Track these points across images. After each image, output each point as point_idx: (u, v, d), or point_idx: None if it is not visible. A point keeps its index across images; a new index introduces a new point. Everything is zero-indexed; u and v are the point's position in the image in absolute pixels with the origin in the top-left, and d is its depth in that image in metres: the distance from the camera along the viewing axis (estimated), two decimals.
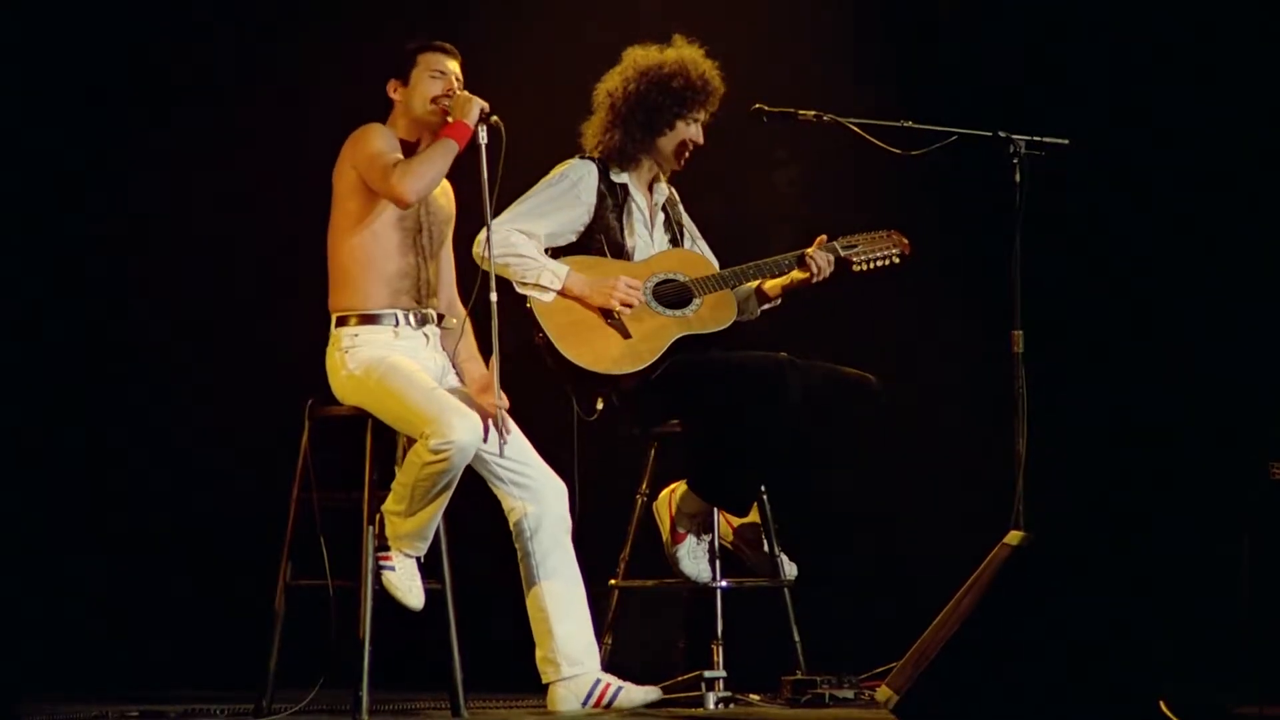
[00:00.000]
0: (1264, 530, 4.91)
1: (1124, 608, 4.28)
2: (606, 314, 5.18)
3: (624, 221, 5.32)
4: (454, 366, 5.02)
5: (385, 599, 4.79)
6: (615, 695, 4.93)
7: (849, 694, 5.18)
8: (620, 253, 5.28)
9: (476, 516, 5.04)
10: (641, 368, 5.14)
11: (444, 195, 5.06)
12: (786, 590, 5.33)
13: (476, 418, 4.76)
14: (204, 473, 6.31)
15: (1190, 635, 4.86)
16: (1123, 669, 4.22)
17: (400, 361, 4.84)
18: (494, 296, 4.79)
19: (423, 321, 4.96)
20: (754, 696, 5.24)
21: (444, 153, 4.84)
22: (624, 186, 5.34)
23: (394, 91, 5.00)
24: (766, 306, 5.43)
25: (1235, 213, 6.06)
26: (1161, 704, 4.30)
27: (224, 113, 6.36)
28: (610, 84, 5.35)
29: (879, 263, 5.39)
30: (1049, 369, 5.24)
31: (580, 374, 5.14)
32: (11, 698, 5.11)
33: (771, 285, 5.38)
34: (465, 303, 4.99)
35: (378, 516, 4.80)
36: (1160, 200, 6.15)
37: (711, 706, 5.07)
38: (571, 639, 4.94)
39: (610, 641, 5.28)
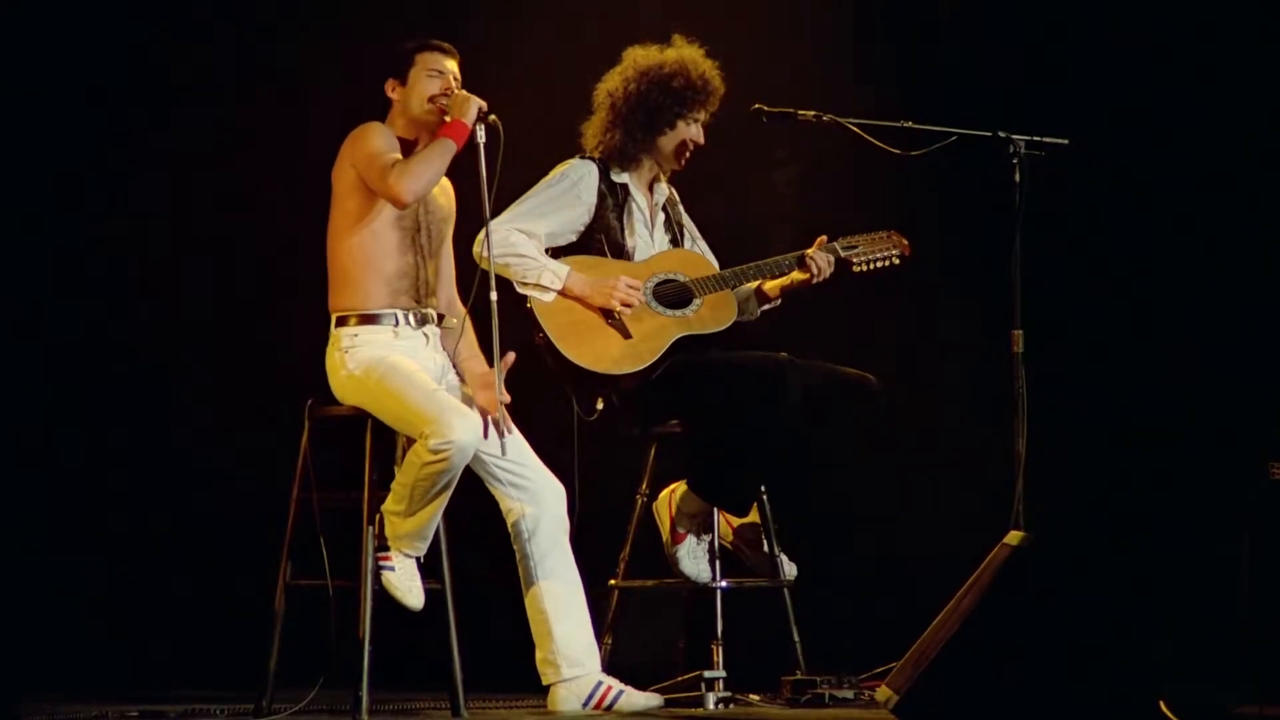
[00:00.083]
0: (1264, 530, 4.91)
1: (1124, 608, 4.28)
2: (607, 314, 5.18)
3: (624, 221, 5.32)
4: (454, 366, 5.02)
5: (385, 599, 4.78)
6: (617, 698, 4.92)
7: (849, 694, 5.18)
8: (620, 253, 5.29)
9: (476, 516, 5.04)
10: (642, 368, 5.14)
11: (443, 194, 5.06)
12: (786, 590, 5.33)
13: (476, 418, 4.76)
14: (204, 473, 6.31)
15: (1190, 635, 4.86)
16: (1123, 669, 4.22)
17: (400, 361, 4.84)
18: (494, 296, 4.79)
19: (422, 321, 4.96)
20: (754, 696, 5.24)
21: (441, 152, 4.84)
22: (624, 186, 5.34)
23: (392, 91, 5.00)
24: (766, 307, 5.43)
25: (1235, 213, 6.05)
26: (1161, 704, 4.30)
27: (224, 113, 6.36)
28: (611, 84, 5.35)
29: (879, 263, 5.39)
30: (1049, 369, 5.23)
31: (580, 374, 5.14)
32: (11, 698, 5.11)
33: (771, 286, 5.38)
34: (465, 302, 4.99)
35: (377, 516, 4.80)
36: (1160, 200, 6.14)
37: (711, 707, 5.07)
38: (571, 640, 4.93)
39: (610, 642, 5.28)
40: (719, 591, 5.19)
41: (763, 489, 5.26)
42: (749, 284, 5.36)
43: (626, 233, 5.31)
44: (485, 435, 4.78)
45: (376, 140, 4.87)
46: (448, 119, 4.89)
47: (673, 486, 5.30)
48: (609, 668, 5.08)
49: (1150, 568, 4.38)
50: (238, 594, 5.85)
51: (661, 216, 5.43)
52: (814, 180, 6.48)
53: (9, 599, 5.91)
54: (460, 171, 4.97)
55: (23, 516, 6.12)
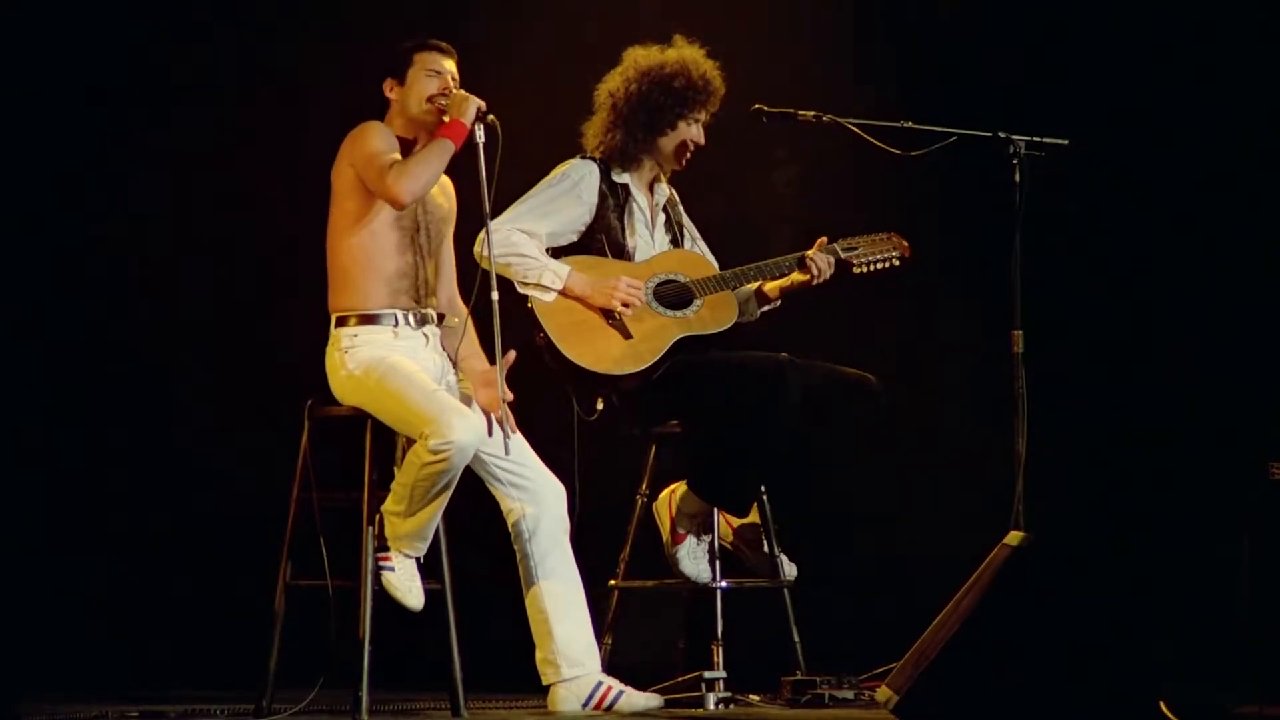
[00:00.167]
0: (1264, 530, 4.91)
1: (1124, 608, 4.28)
2: (608, 314, 5.18)
3: (625, 222, 5.32)
4: (455, 365, 5.02)
5: (385, 599, 4.78)
6: (617, 699, 4.92)
7: (849, 694, 5.18)
8: (621, 253, 5.29)
9: (476, 516, 5.04)
10: (642, 368, 5.14)
11: (442, 193, 5.06)
12: (786, 590, 5.33)
13: (476, 418, 4.76)
14: (204, 473, 6.31)
15: (1190, 635, 4.86)
16: (1123, 669, 4.22)
17: (400, 362, 4.84)
18: (495, 295, 4.78)
19: (422, 321, 4.96)
20: (754, 697, 5.24)
21: (440, 153, 4.84)
22: (625, 187, 5.34)
23: (390, 90, 5.00)
24: (766, 308, 5.43)
25: (1235, 213, 6.05)
26: (1161, 704, 4.30)
27: (224, 113, 6.36)
28: (612, 84, 5.35)
29: (879, 265, 5.39)
30: (1049, 369, 5.23)
31: (581, 374, 5.14)
32: (11, 698, 5.11)
33: (771, 287, 5.38)
34: (467, 302, 4.99)
35: (377, 517, 4.80)
36: (1160, 200, 6.14)
37: (711, 707, 5.07)
38: (571, 640, 4.93)
39: (610, 642, 5.28)
40: (719, 592, 5.19)
41: (763, 489, 5.26)
42: (749, 285, 5.36)
43: (627, 233, 5.32)
44: (490, 434, 4.78)
45: (375, 140, 4.87)
46: (446, 119, 4.89)
47: (673, 487, 5.30)
48: (609, 668, 5.08)
49: (1150, 568, 4.38)
50: (238, 594, 5.85)
51: (662, 217, 5.43)
52: (814, 180, 6.48)
53: (9, 599, 5.91)
54: (460, 171, 4.97)
55: (23, 516, 6.12)
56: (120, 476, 6.31)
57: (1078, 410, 6.09)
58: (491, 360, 4.86)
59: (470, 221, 5.03)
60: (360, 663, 4.72)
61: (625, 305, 5.17)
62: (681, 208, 5.49)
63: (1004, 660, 4.19)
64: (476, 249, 5.07)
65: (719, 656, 5.13)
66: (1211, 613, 5.19)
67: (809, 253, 5.32)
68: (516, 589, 4.98)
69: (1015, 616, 4.22)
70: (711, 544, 5.24)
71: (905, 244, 5.42)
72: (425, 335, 4.96)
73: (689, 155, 5.36)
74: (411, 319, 4.93)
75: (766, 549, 5.31)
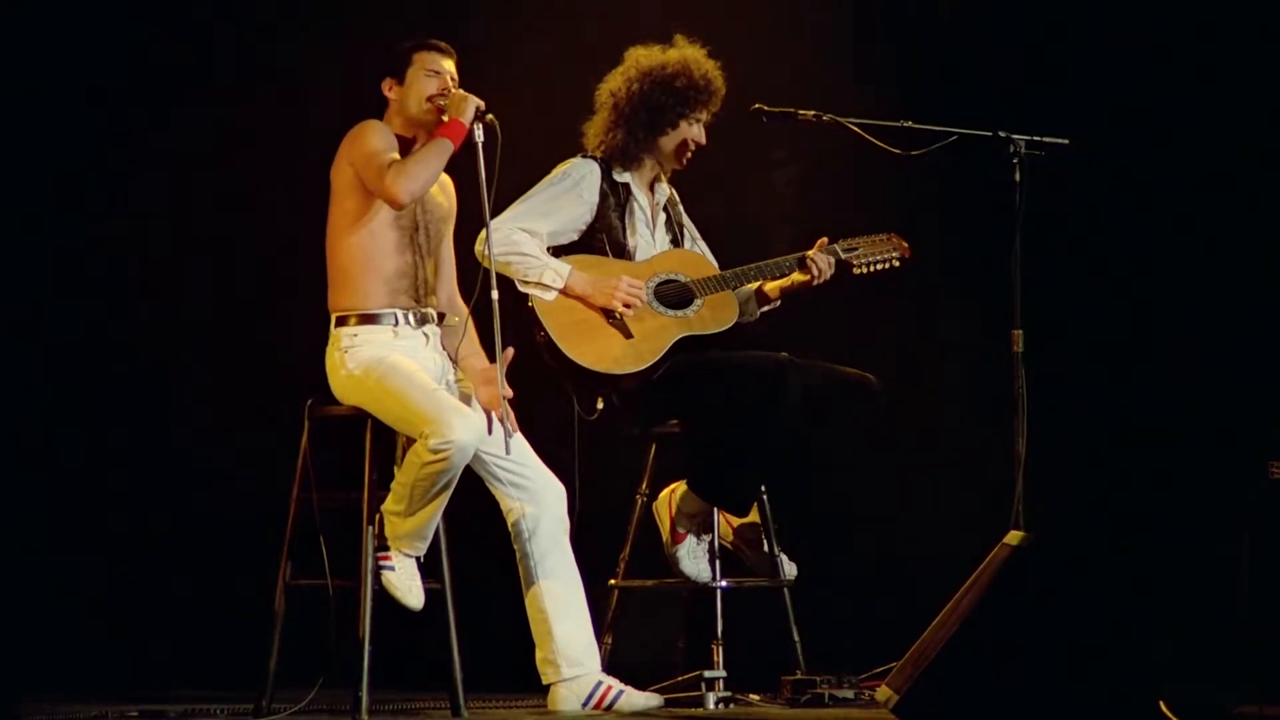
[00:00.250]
0: (1264, 530, 4.91)
1: (1124, 608, 4.28)
2: (608, 314, 5.18)
3: (626, 221, 5.32)
4: (455, 363, 5.01)
5: (385, 599, 4.78)
6: (616, 698, 4.92)
7: (849, 694, 5.18)
8: (622, 252, 5.29)
9: (476, 516, 5.04)
10: (643, 368, 5.14)
11: (442, 192, 5.06)
12: (786, 590, 5.33)
13: (476, 417, 4.76)
14: (204, 473, 6.31)
15: (1190, 635, 4.86)
16: (1123, 669, 4.22)
17: (400, 361, 4.84)
18: (495, 294, 4.78)
19: (422, 321, 4.96)
20: (754, 696, 5.24)
21: (439, 153, 4.84)
22: (626, 186, 5.34)
23: (389, 90, 5.00)
24: (766, 308, 5.43)
25: (1235, 213, 6.05)
26: (1161, 704, 4.30)
27: (224, 113, 6.36)
28: (613, 83, 5.35)
29: (879, 266, 5.39)
30: (1049, 369, 5.23)
31: (581, 373, 5.14)
32: (11, 698, 5.11)
33: (771, 287, 5.38)
34: (466, 301, 4.99)
35: (377, 516, 4.80)
36: (1160, 200, 6.14)
37: (711, 706, 5.07)
38: (571, 640, 4.93)
39: (610, 641, 5.28)
40: (719, 591, 5.19)
41: (763, 489, 5.26)
42: (749, 285, 5.36)
43: (628, 232, 5.32)
44: (490, 432, 4.78)
45: (375, 139, 4.86)
46: (445, 119, 4.89)
47: (673, 486, 5.30)
48: (609, 668, 5.08)
49: (1150, 568, 4.38)
50: (238, 594, 5.85)
51: (663, 216, 5.43)
52: (814, 180, 6.48)
53: (9, 599, 5.91)
54: (460, 170, 4.97)
55: (23, 516, 6.12)
56: (120, 476, 6.31)
57: (1078, 410, 6.09)
58: (491, 359, 4.86)
59: (470, 221, 5.03)
60: (360, 663, 4.72)
61: (626, 305, 5.17)
62: (681, 207, 5.49)
63: (1004, 660, 4.19)
64: (478, 248, 5.08)
65: (719, 656, 5.13)
66: (1211, 613, 5.19)
67: (809, 253, 5.32)
68: (516, 589, 4.98)
69: (1015, 616, 4.22)
70: (711, 544, 5.24)
71: (905, 245, 5.42)
72: (425, 335, 4.96)
73: (690, 155, 5.36)
74: (411, 318, 4.93)
75: (766, 549, 5.31)
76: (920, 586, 4.95)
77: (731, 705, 5.12)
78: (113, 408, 6.33)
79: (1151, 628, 4.30)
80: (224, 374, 6.33)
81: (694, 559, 5.25)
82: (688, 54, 5.32)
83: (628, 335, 5.17)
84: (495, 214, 4.98)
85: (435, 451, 4.67)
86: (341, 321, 4.92)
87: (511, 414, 4.87)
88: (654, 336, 5.17)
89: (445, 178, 5.04)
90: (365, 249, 4.89)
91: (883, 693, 4.36)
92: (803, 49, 6.37)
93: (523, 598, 4.97)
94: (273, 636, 4.91)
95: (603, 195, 5.29)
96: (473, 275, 4.95)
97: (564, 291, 5.17)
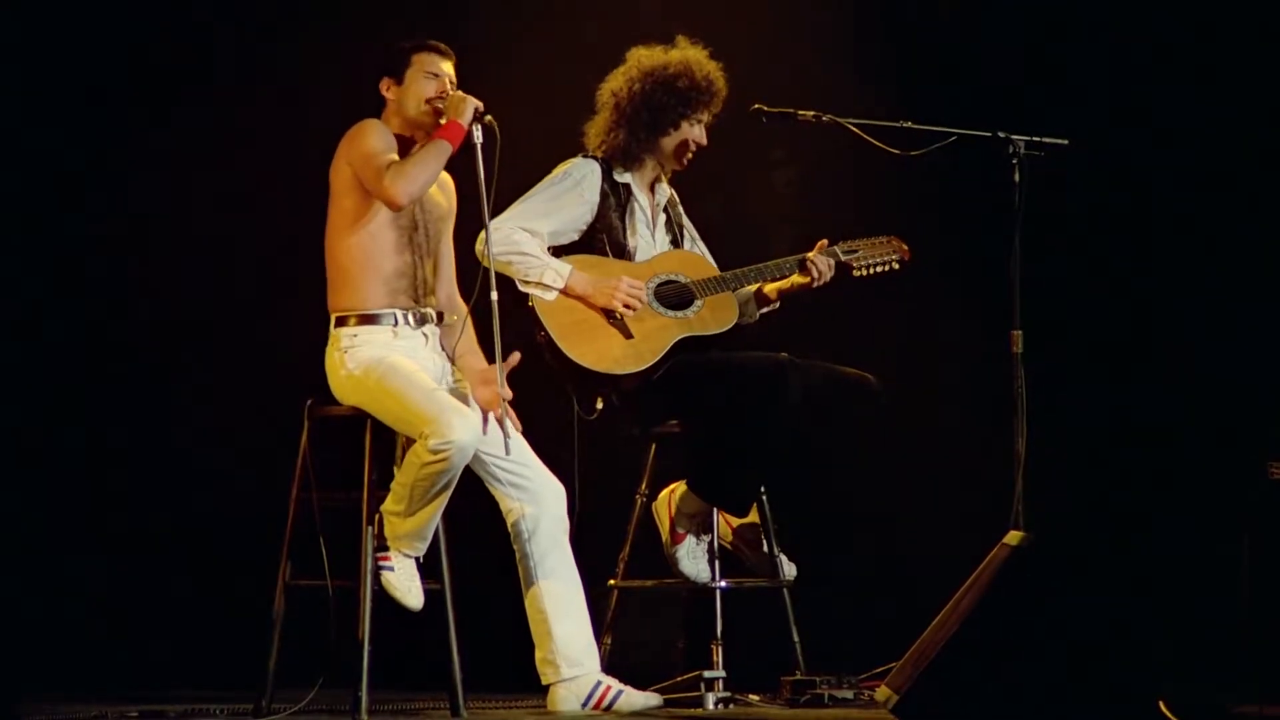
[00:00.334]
0: (1264, 530, 4.91)
1: (1124, 608, 4.28)
2: (609, 314, 5.18)
3: (626, 221, 5.32)
4: (453, 361, 5.01)
5: (384, 599, 4.78)
6: (616, 698, 4.92)
7: (848, 694, 5.18)
8: (622, 253, 5.29)
9: (476, 516, 5.04)
10: (643, 368, 5.14)
11: (441, 191, 5.06)
12: (786, 590, 5.33)
13: (476, 417, 4.76)
14: (204, 473, 6.31)
15: (1190, 635, 4.86)
16: (1123, 669, 4.22)
17: (399, 362, 4.84)
18: (495, 295, 4.78)
19: (422, 321, 4.96)
20: (753, 697, 5.24)
21: (437, 154, 4.84)
22: (627, 186, 5.34)
23: (387, 90, 4.99)
24: (765, 310, 5.43)
25: (1235, 213, 6.05)
26: (1161, 704, 4.30)
27: (224, 113, 6.36)
28: (615, 84, 5.35)
29: (879, 268, 5.39)
30: (1049, 369, 5.23)
31: (582, 373, 5.14)
32: (11, 698, 5.11)
33: (771, 288, 5.38)
34: (466, 300, 4.99)
35: (377, 516, 4.80)
36: (1160, 200, 6.14)
37: (711, 707, 5.07)
38: (571, 640, 4.93)
39: (610, 642, 5.28)
40: (718, 591, 5.19)
41: (763, 489, 5.26)
42: (749, 286, 5.35)
43: (628, 233, 5.32)
44: (485, 432, 4.78)
45: (373, 139, 4.86)
46: (443, 120, 4.89)
47: (672, 486, 5.30)
48: (608, 668, 5.08)
49: (1150, 568, 4.38)
50: (238, 594, 5.85)
51: (663, 217, 5.43)
52: (814, 181, 6.48)
53: (9, 599, 5.91)
54: (459, 171, 4.97)
55: (23, 516, 6.12)
56: (120, 476, 6.31)
57: (1078, 410, 6.08)
58: (490, 359, 4.86)
59: (471, 221, 5.03)
60: (360, 663, 4.72)
61: (627, 306, 5.17)
62: (681, 208, 5.49)
63: (1004, 660, 4.19)
64: (478, 247, 5.07)
65: (718, 656, 5.13)
66: (1211, 613, 5.19)
67: (809, 255, 5.32)
68: (516, 589, 4.98)
69: (1015, 616, 4.22)
70: (711, 544, 5.24)
71: (905, 247, 5.42)
72: (425, 335, 4.96)
73: (691, 155, 5.36)
74: (411, 318, 4.93)
75: (766, 549, 5.31)
76: (920, 586, 4.95)
77: (731, 705, 5.11)
78: (113, 408, 6.33)
79: (1151, 628, 4.30)
80: (224, 374, 6.33)
81: (693, 559, 5.25)
82: (690, 55, 5.32)
83: (628, 335, 5.17)
84: (494, 215, 4.98)
85: (435, 452, 4.67)
86: (341, 322, 4.92)
87: (512, 414, 4.87)
88: (654, 337, 5.17)
89: (445, 176, 5.04)
90: (364, 249, 4.89)
91: (882, 693, 4.36)
92: (803, 49, 6.37)
93: (522, 598, 4.97)
94: (272, 636, 4.91)
95: (603, 195, 5.29)
96: (473, 275, 4.95)
97: (564, 291, 5.17)
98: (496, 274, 4.87)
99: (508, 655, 5.22)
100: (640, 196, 5.36)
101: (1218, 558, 5.17)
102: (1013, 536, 4.34)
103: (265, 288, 6.30)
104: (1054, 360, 5.65)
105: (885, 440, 5.53)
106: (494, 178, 4.82)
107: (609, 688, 4.93)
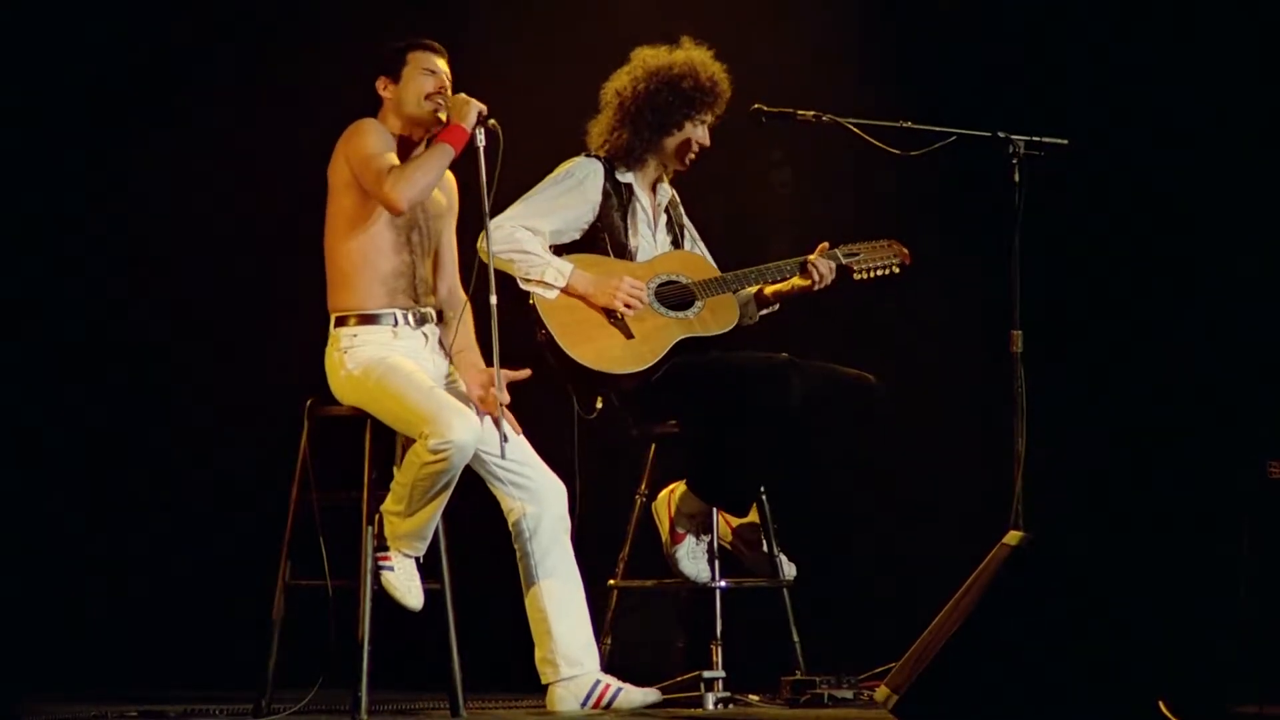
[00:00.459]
0: (1264, 530, 4.91)
1: (1124, 608, 4.28)
2: (609, 314, 5.18)
3: (628, 221, 5.32)
4: (448, 353, 5.00)
5: (384, 599, 4.78)
6: (615, 696, 4.92)
7: (848, 694, 5.18)
8: (624, 252, 5.29)
9: (476, 516, 5.04)
10: (643, 368, 5.14)
11: (439, 189, 5.03)
12: (785, 590, 5.33)
13: (475, 417, 4.76)
14: (204, 472, 6.31)
15: (1190, 635, 4.85)
16: (1123, 669, 4.22)
17: (399, 362, 4.84)
18: (494, 299, 4.78)
19: (421, 320, 4.96)
20: (753, 697, 5.24)
21: (440, 158, 4.83)
22: (629, 186, 5.34)
23: (384, 89, 4.99)
24: (765, 311, 5.43)
25: (1235, 213, 6.05)
26: (1161, 704, 4.30)
27: (224, 113, 6.36)
28: (619, 83, 5.34)
29: (879, 272, 5.39)
30: (1049, 369, 5.23)
31: (582, 372, 5.14)
32: (11, 698, 5.11)
33: (772, 290, 5.38)
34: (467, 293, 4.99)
35: (377, 516, 4.80)
36: (1160, 200, 6.14)
37: (710, 707, 5.07)
38: (570, 639, 4.93)
39: (610, 641, 5.28)
40: (718, 591, 5.18)
41: (762, 489, 5.26)
42: (750, 288, 5.35)
43: (630, 232, 5.32)
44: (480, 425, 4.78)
45: (373, 139, 4.86)
46: (442, 116, 4.89)
47: (672, 486, 5.30)
48: (608, 668, 5.07)
49: (1150, 568, 4.38)
50: (238, 594, 5.85)
51: (664, 217, 5.43)
52: (813, 181, 6.47)
53: (9, 599, 5.91)
54: (461, 172, 4.96)
55: (23, 516, 6.12)
56: (120, 476, 6.31)
57: (1078, 410, 6.08)
58: (487, 359, 4.86)
59: (472, 221, 5.03)
60: (360, 663, 4.72)
61: (627, 306, 5.17)
62: (682, 209, 5.49)
63: (1004, 660, 4.19)
64: (480, 245, 5.07)
65: (718, 656, 5.12)
66: (1211, 613, 5.19)
67: (811, 257, 5.32)
68: (516, 589, 4.98)
69: (1015, 616, 4.22)
70: (710, 544, 5.23)
71: (905, 251, 5.42)
72: (424, 335, 4.96)
73: (693, 156, 5.36)
74: (410, 318, 4.93)
75: (766, 549, 5.31)
76: (920, 586, 4.95)
77: (731, 705, 5.11)
78: (113, 408, 6.33)
79: (1151, 628, 4.30)
80: (224, 374, 6.33)
81: (693, 559, 5.25)
82: (694, 55, 5.32)
83: (628, 335, 5.17)
84: (495, 215, 4.98)
85: (435, 452, 4.67)
86: (341, 322, 4.92)
87: (510, 417, 4.86)
88: (654, 337, 5.17)
89: (446, 173, 5.03)
90: (363, 249, 4.89)
91: (882, 693, 4.36)
92: (803, 49, 6.37)
93: (522, 598, 4.97)
94: (272, 636, 4.91)
95: (605, 195, 5.29)
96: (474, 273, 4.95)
97: (566, 290, 5.17)
98: (497, 273, 4.87)
99: (508, 655, 5.23)
100: (642, 196, 5.36)
101: (1218, 558, 5.17)
102: (1013, 536, 4.33)
103: (265, 288, 6.30)
104: (1054, 360, 5.65)
105: (885, 440, 5.52)
106: (495, 181, 4.82)
107: (607, 686, 4.93)
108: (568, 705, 4.92)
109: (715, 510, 5.23)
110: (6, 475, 6.11)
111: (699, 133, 5.33)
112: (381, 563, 4.78)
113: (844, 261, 5.35)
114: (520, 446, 4.95)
